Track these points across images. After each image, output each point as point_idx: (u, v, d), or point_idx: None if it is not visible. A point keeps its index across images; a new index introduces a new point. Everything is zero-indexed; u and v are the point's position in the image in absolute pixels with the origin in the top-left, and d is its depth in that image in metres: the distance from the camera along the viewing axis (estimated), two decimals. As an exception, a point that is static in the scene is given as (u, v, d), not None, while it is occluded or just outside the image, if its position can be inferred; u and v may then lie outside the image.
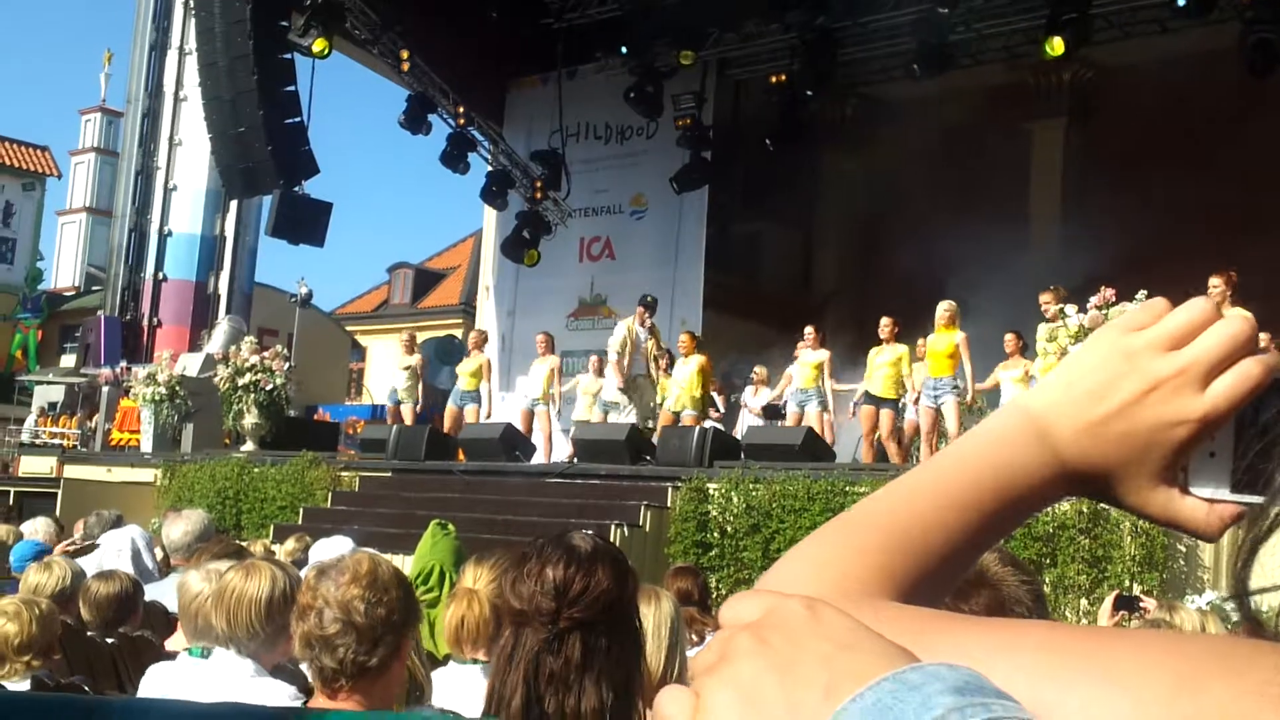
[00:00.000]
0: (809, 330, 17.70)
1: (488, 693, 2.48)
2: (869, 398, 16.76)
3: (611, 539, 14.40)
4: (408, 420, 19.87)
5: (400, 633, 3.03)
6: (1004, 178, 23.94)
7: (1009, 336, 15.66)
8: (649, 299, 19.10)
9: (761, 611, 0.73)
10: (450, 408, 19.89)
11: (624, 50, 23.33)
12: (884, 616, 0.81)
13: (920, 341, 16.65)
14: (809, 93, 22.90)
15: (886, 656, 0.69)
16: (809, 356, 17.53)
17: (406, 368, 20.52)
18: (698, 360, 17.88)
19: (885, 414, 16.54)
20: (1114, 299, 14.35)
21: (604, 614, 2.42)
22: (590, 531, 2.61)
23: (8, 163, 46.61)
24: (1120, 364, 0.94)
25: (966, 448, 0.98)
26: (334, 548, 6.63)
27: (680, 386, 17.85)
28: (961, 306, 16.28)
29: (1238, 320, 0.93)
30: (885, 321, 16.47)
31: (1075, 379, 0.96)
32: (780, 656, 0.69)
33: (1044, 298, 15.01)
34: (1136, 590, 12.04)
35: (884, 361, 16.50)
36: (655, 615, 3.75)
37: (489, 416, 19.64)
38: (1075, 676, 0.72)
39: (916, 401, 16.36)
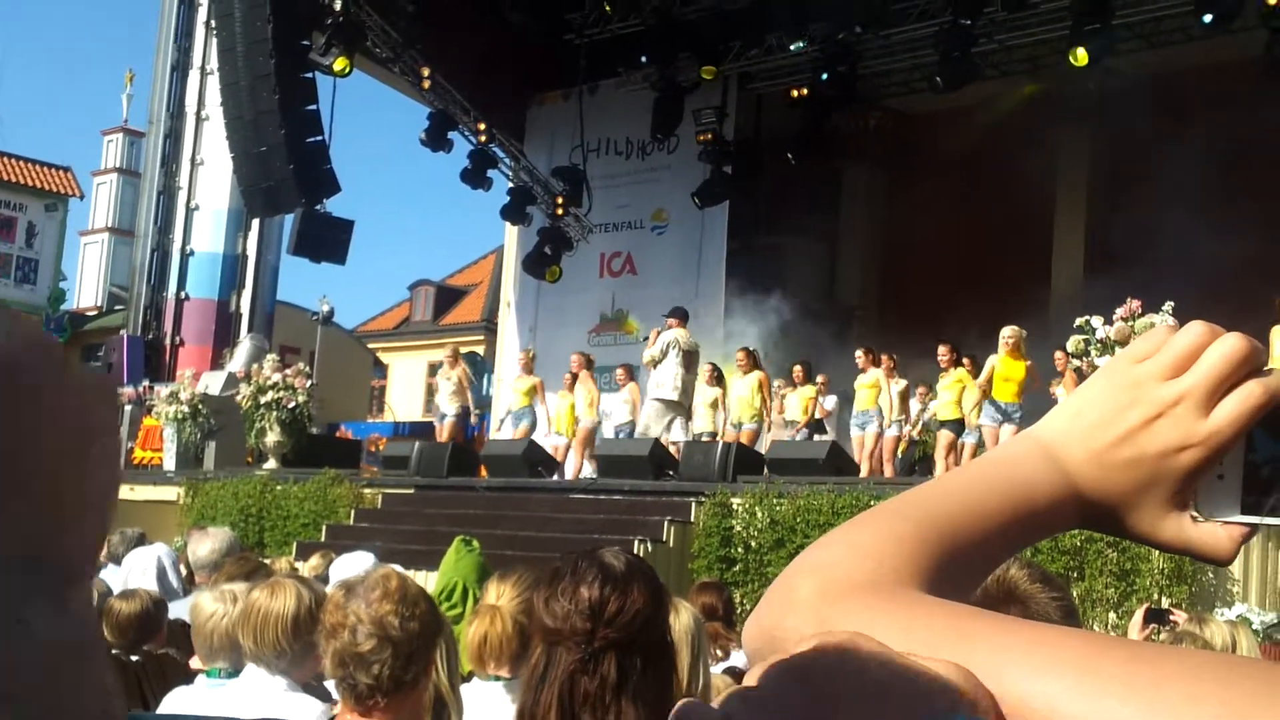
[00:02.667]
0: (859, 353, 17.73)
1: (518, 712, 2.44)
2: (941, 424, 16.71)
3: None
4: (446, 435, 19.76)
5: (431, 647, 3.01)
6: (1029, 188, 23.86)
7: (1059, 355, 15.48)
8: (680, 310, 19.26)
9: None
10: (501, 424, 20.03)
11: (645, 64, 23.37)
12: (922, 612, 0.84)
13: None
14: (831, 106, 22.88)
15: None
16: (863, 378, 17.54)
17: (449, 379, 20.37)
18: (757, 375, 17.92)
19: (945, 435, 16.42)
20: (1139, 310, 14.27)
21: (639, 633, 2.39)
22: (619, 548, 2.57)
23: (31, 183, 46.82)
24: (1125, 393, 0.95)
25: (986, 461, 1.01)
26: (355, 564, 6.61)
27: (741, 402, 17.87)
28: (987, 318, 16.20)
29: (1235, 341, 0.93)
30: (943, 350, 16.37)
31: (1082, 408, 0.97)
32: None
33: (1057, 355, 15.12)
34: (1166, 604, 11.98)
35: (944, 385, 16.43)
36: (675, 628, 3.71)
37: (545, 436, 19.67)
38: (1120, 703, 0.71)
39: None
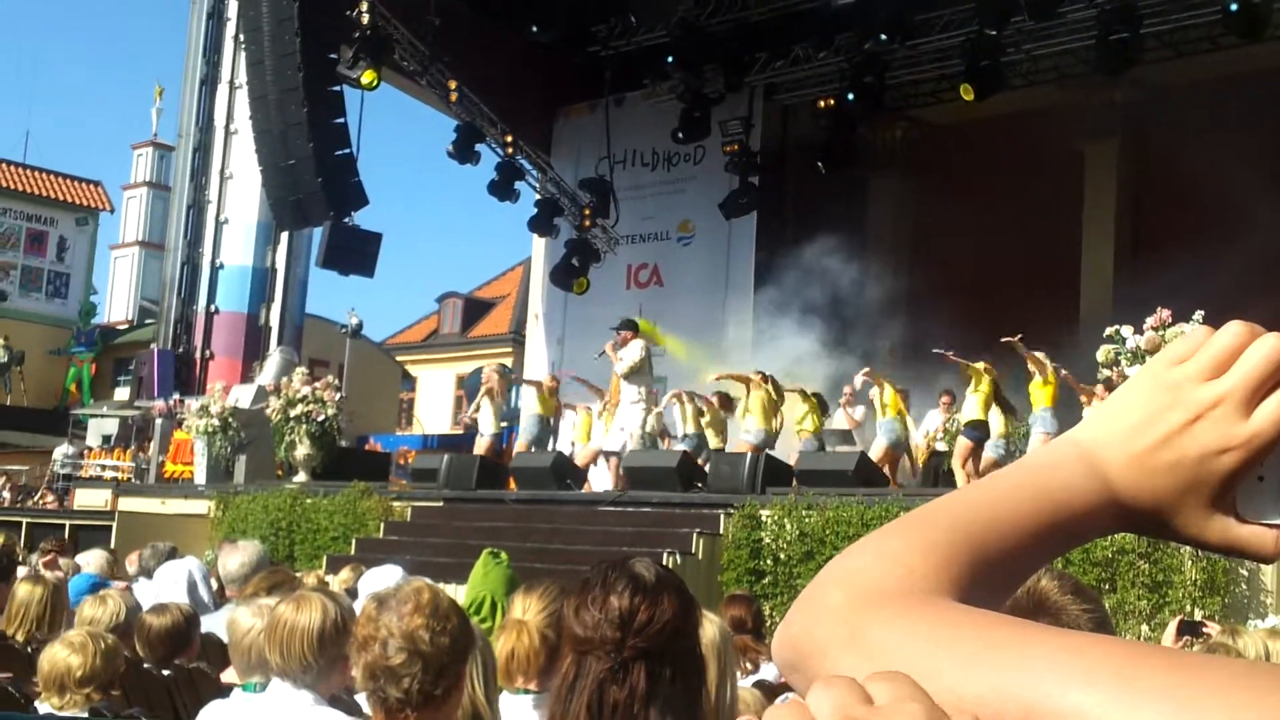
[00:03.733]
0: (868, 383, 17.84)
1: None
2: (965, 427, 16.64)
3: (664, 567, 14.38)
4: (483, 449, 19.79)
5: (462, 661, 3.01)
6: (1057, 198, 23.79)
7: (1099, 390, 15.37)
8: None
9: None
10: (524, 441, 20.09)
11: (671, 76, 23.41)
12: (950, 619, 0.83)
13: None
14: (857, 116, 22.87)
15: None
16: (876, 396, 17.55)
17: (488, 392, 20.33)
18: (759, 395, 17.86)
19: (963, 442, 16.36)
20: (1169, 320, 14.20)
21: (669, 643, 2.38)
22: (649, 559, 2.57)
23: (61, 198, 47.11)
24: (1164, 396, 0.94)
25: (1023, 467, 0.99)
26: (383, 577, 6.61)
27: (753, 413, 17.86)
28: (1016, 327, 16.13)
29: (1276, 341, 0.92)
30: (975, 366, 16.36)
31: (1120, 412, 0.96)
32: None
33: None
34: (1198, 615, 11.91)
35: (970, 388, 16.37)
36: (703, 641, 3.70)
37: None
38: (1156, 715, 0.70)
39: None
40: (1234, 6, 17.95)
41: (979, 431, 16.23)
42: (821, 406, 18.53)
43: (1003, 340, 15.60)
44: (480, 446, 20.06)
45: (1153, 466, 0.93)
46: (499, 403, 20.31)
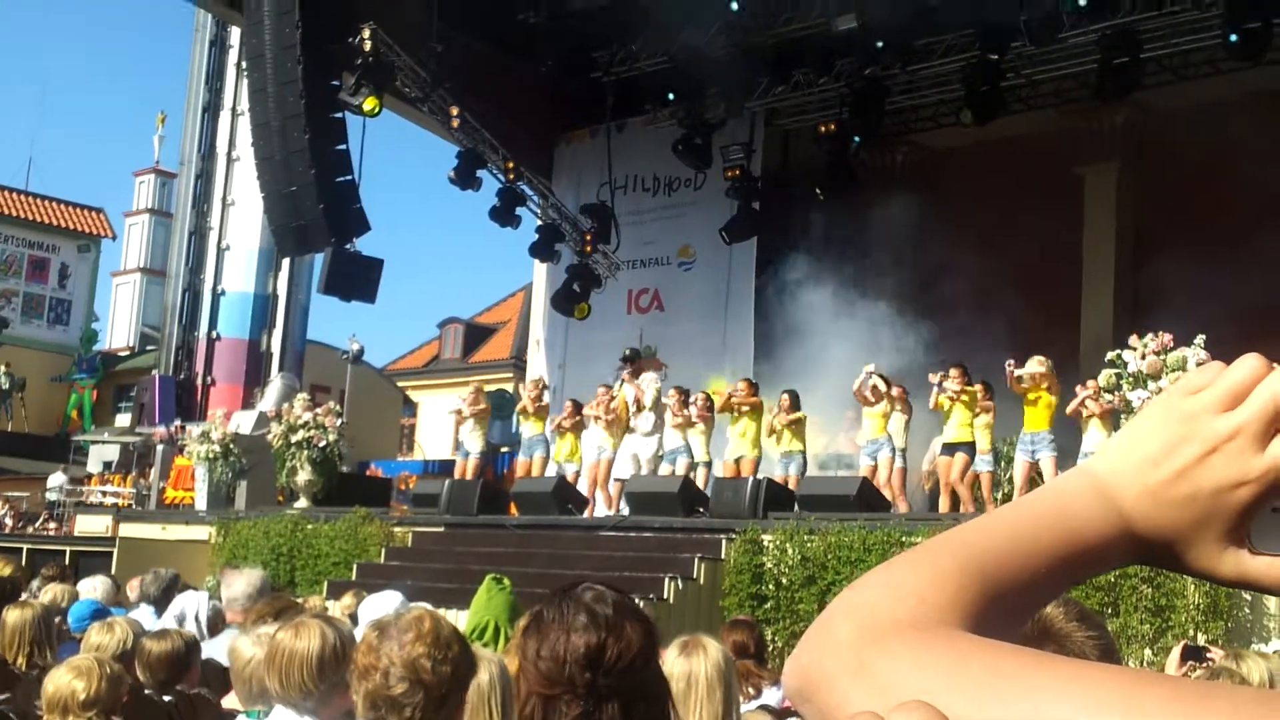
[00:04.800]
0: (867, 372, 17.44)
1: None
2: (945, 448, 16.53)
3: (665, 592, 14.36)
4: (470, 473, 19.72)
5: (463, 689, 3.00)
6: (1057, 223, 23.80)
7: (1090, 384, 15.30)
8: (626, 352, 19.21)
9: None
10: (522, 460, 19.87)
11: (671, 103, 23.46)
12: (960, 649, 0.83)
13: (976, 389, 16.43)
14: (858, 140, 22.91)
15: None
16: (873, 407, 17.25)
17: (471, 416, 20.23)
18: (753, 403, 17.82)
19: (960, 458, 16.27)
20: (1171, 344, 14.20)
21: (638, 674, 2.34)
22: (599, 585, 2.50)
23: (63, 225, 47.22)
24: (1179, 428, 0.93)
25: (1037, 497, 0.98)
26: (384, 603, 6.61)
27: (738, 435, 17.76)
28: (1015, 350, 16.12)
29: None
30: (954, 373, 16.27)
31: (1135, 443, 0.96)
32: None
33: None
34: (1201, 639, 11.88)
35: (956, 406, 16.26)
36: (704, 665, 3.68)
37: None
38: None
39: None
40: (1234, 38, 18.02)
41: (968, 446, 16.17)
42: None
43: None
44: (462, 468, 20.06)
45: (1168, 499, 0.93)
46: (484, 424, 20.23)
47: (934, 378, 16.57)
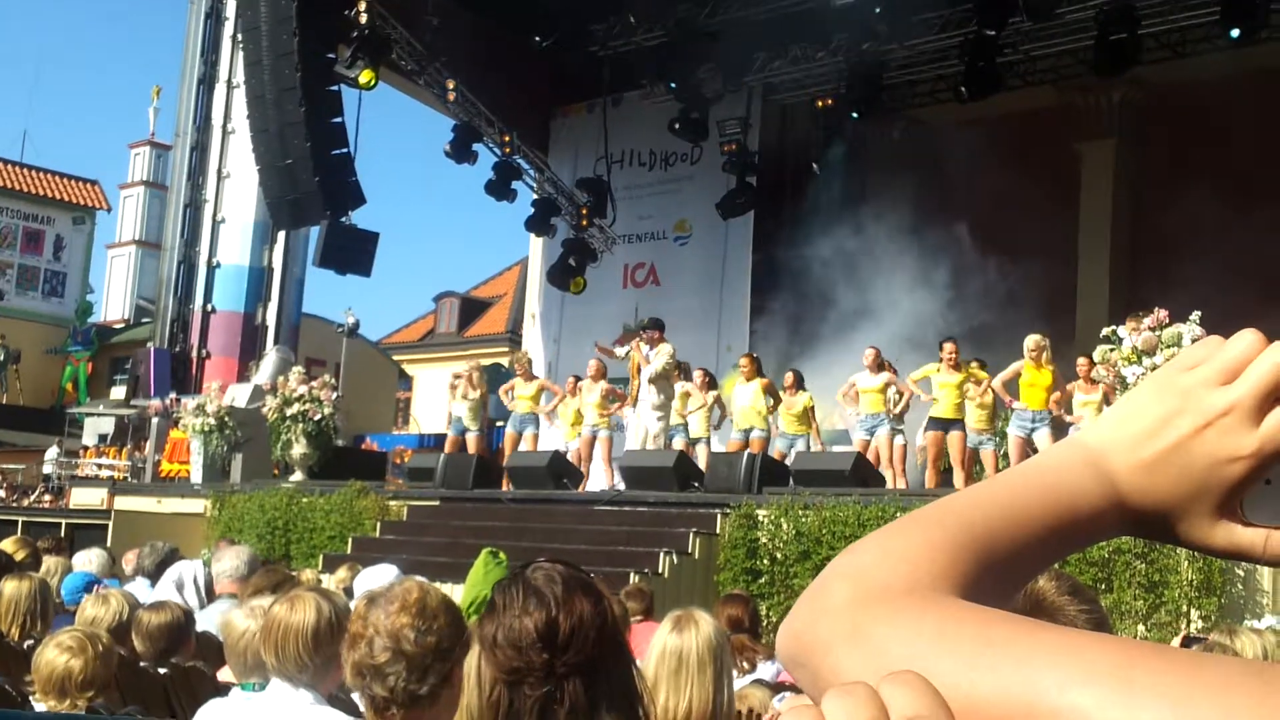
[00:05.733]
0: (868, 351, 17.12)
1: None
2: (934, 422, 16.43)
3: (660, 567, 14.38)
4: (472, 449, 19.66)
5: (448, 660, 2.99)
6: (1053, 199, 23.78)
7: (1081, 361, 15.23)
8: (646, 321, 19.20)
9: None
10: (510, 433, 19.78)
11: (669, 77, 23.39)
12: (953, 617, 0.82)
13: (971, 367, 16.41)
14: (855, 116, 22.87)
15: None
16: (870, 381, 16.94)
17: (467, 398, 20.17)
18: (759, 381, 17.71)
19: (955, 435, 16.22)
20: (1167, 320, 14.18)
21: (595, 644, 2.35)
22: (545, 561, 2.50)
23: (58, 197, 47.11)
24: (1174, 401, 0.94)
25: (1030, 468, 0.98)
26: (378, 576, 6.62)
27: (746, 410, 17.66)
28: (1012, 328, 16.13)
29: None
30: (948, 347, 16.22)
31: (1130, 416, 0.96)
32: None
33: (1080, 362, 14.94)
34: (1195, 615, 11.93)
35: (949, 384, 16.19)
36: (695, 640, 3.68)
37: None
38: (1154, 716, 0.70)
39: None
40: (1235, 33, 18.00)
41: (957, 423, 16.15)
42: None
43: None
44: (453, 443, 20.02)
45: (1161, 472, 0.94)
46: (476, 399, 20.14)
47: (917, 390, 16.58)
